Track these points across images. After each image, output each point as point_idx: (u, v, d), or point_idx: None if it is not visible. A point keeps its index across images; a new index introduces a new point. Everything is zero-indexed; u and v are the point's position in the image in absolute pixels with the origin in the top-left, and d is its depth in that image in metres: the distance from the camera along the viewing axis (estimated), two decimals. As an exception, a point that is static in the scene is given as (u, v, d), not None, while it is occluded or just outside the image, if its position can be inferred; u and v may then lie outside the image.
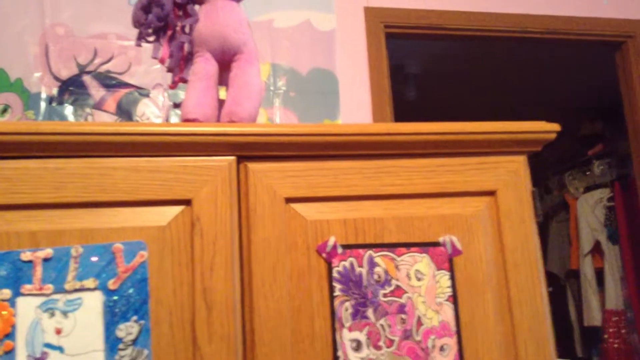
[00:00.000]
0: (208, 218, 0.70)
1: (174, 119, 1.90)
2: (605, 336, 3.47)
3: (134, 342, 0.65)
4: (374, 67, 2.12)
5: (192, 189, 0.70)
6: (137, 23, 0.84)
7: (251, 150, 0.74)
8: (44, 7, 1.87)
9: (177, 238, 0.69)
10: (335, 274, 0.72)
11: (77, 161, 0.69)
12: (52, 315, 0.64)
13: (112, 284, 0.66)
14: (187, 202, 0.70)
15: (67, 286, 0.65)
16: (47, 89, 1.82)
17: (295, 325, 0.71)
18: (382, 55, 2.14)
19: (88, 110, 1.84)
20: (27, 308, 0.64)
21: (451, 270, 0.75)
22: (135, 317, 0.66)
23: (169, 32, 0.85)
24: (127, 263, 0.67)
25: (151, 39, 0.85)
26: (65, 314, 0.64)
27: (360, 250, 0.74)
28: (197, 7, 0.86)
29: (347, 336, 0.71)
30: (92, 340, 0.64)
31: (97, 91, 1.86)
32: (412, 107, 3.27)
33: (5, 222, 0.66)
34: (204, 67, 0.82)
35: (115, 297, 0.66)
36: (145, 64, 1.89)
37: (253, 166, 0.73)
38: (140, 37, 0.85)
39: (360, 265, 0.73)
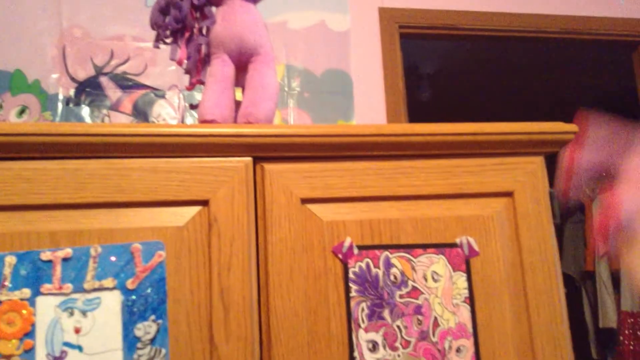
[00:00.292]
0: (225, 218, 0.70)
1: (190, 120, 1.91)
2: (621, 338, 3.43)
3: (152, 341, 0.66)
4: (388, 68, 2.12)
5: (209, 190, 0.71)
6: (155, 25, 0.84)
7: (268, 151, 0.74)
8: (61, 9, 1.89)
9: (194, 238, 0.70)
10: (351, 275, 0.72)
11: (96, 162, 0.70)
12: (71, 314, 0.65)
13: (130, 284, 0.66)
14: (204, 203, 0.71)
15: (86, 285, 0.65)
16: (64, 90, 1.84)
17: (312, 325, 0.71)
18: (396, 55, 2.14)
19: (104, 111, 1.86)
20: (46, 307, 0.64)
21: (468, 271, 0.75)
22: (153, 317, 0.66)
23: (187, 34, 0.85)
24: (146, 263, 0.67)
25: (169, 40, 0.86)
26: (84, 313, 0.65)
27: (377, 251, 0.74)
28: (214, 9, 0.86)
29: (363, 337, 0.71)
30: (110, 339, 0.65)
31: (113, 92, 1.87)
32: (427, 106, 3.26)
33: (25, 222, 0.67)
34: (221, 68, 0.83)
35: (134, 297, 0.66)
36: (161, 65, 1.91)
37: (269, 167, 0.74)
38: (158, 39, 0.86)
39: (377, 266, 0.73)
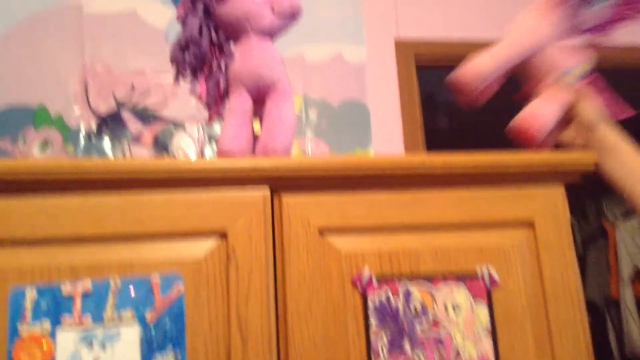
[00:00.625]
0: (243, 250, 0.71)
1: (209, 151, 1.93)
2: (647, 365, 3.35)
3: (171, 374, 0.66)
4: (405, 98, 2.12)
5: (227, 222, 0.71)
6: (175, 61, 0.86)
7: (285, 183, 0.74)
8: (84, 45, 1.94)
9: (212, 270, 0.70)
10: (370, 306, 0.72)
11: (116, 196, 0.71)
12: (91, 347, 0.65)
13: (149, 316, 0.67)
14: (222, 235, 0.71)
15: (105, 318, 0.66)
16: (86, 125, 1.88)
17: (331, 356, 0.70)
18: (413, 86, 2.15)
19: (126, 144, 1.88)
20: (66, 340, 0.65)
21: (489, 302, 0.74)
22: (171, 349, 0.66)
23: (206, 70, 0.87)
24: (164, 295, 0.68)
25: (189, 76, 0.87)
26: (103, 345, 0.65)
27: (396, 282, 0.73)
28: (232, 45, 0.88)
29: (383, 369, 0.70)
30: (129, 372, 0.65)
31: (134, 125, 1.91)
32: (444, 133, 3.25)
33: (46, 255, 0.68)
34: (240, 103, 0.84)
35: (152, 329, 0.66)
36: (180, 99, 1.94)
37: (287, 198, 0.74)
38: (178, 75, 0.88)
39: (396, 297, 0.73)
